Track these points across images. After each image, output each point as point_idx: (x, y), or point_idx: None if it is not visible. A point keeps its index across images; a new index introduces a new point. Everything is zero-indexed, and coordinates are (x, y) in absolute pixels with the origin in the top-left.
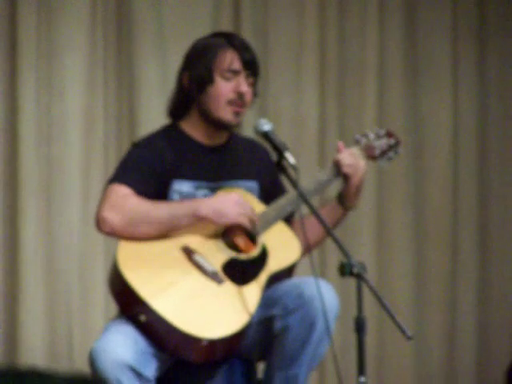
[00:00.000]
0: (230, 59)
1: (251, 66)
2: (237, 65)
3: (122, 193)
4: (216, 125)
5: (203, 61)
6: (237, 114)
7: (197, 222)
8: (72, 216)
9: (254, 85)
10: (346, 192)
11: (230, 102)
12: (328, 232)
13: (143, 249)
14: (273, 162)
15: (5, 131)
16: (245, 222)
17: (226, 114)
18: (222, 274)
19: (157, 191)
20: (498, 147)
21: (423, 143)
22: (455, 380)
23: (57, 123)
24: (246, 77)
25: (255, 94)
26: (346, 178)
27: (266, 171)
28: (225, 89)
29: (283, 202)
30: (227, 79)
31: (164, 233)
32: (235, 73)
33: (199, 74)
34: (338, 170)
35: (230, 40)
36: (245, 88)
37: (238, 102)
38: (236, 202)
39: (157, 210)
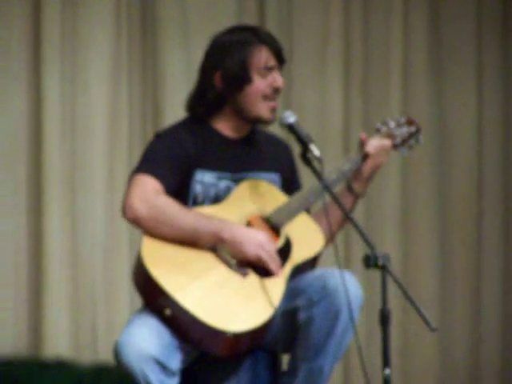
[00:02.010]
0: (265, 57)
1: (282, 57)
2: (272, 61)
3: (154, 187)
4: (253, 122)
5: (236, 60)
6: (273, 109)
7: (217, 242)
8: (96, 209)
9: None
10: (359, 173)
11: (265, 97)
12: (354, 224)
13: (168, 243)
14: (293, 159)
15: (29, 125)
16: (258, 264)
17: (263, 110)
18: (246, 267)
19: (180, 181)
20: None
21: (448, 134)
22: (480, 372)
23: (81, 117)
24: (279, 69)
25: None
26: (366, 156)
27: (287, 167)
28: (262, 86)
29: (306, 194)
30: (263, 76)
31: (182, 241)
32: (270, 68)
33: (235, 74)
34: (361, 148)
35: (258, 35)
36: (281, 83)
37: (273, 95)
38: (260, 243)
39: (183, 218)
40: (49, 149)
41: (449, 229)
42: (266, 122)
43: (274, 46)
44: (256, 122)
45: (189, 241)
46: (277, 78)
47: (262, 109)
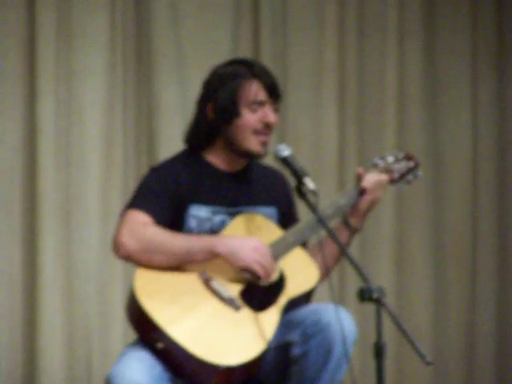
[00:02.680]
0: (255, 91)
1: (275, 93)
2: (262, 96)
3: (141, 220)
4: (244, 155)
5: (227, 93)
6: (264, 143)
7: (212, 258)
8: (91, 240)
9: (278, 109)
10: (356, 208)
11: (256, 132)
12: (348, 257)
13: (160, 276)
14: (290, 192)
15: (24, 155)
16: (258, 269)
17: (253, 145)
18: (239, 300)
19: (174, 216)
20: None
21: (443, 167)
22: None
23: (76, 147)
24: (272, 104)
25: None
26: (363, 191)
27: (284, 200)
28: (252, 120)
29: (302, 228)
30: (253, 110)
31: (178, 265)
32: (261, 103)
33: (224, 107)
34: (358, 183)
35: (252, 69)
36: (272, 118)
37: (265, 131)
38: (255, 247)
39: (173, 242)
40: (43, 180)
41: (443, 262)
42: (257, 157)
43: (266, 81)
44: (246, 155)
45: (184, 262)
46: (268, 113)
47: (252, 143)
